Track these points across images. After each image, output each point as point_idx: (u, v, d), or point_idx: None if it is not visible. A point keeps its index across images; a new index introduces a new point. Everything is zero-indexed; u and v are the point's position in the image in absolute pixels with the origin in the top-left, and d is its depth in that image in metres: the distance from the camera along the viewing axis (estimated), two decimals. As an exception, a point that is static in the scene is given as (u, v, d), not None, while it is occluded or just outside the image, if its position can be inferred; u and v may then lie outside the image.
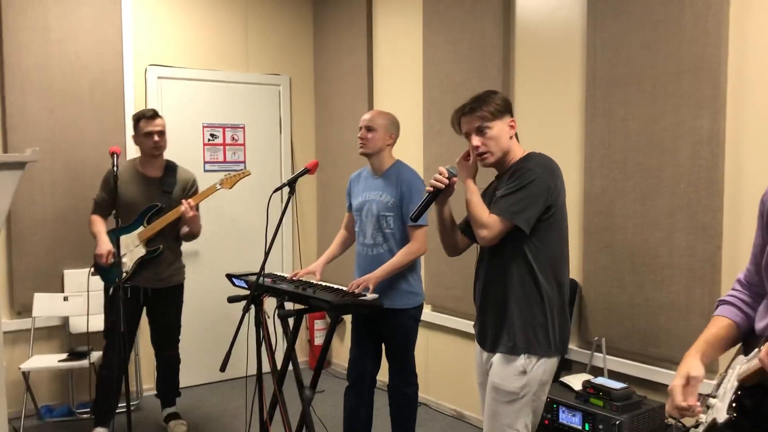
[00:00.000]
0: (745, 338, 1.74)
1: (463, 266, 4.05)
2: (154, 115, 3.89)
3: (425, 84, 4.41)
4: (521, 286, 2.40)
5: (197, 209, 3.87)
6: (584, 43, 3.42)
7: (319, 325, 5.47)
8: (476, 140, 2.45)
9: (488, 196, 2.55)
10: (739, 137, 2.81)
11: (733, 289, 1.83)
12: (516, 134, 2.53)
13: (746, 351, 1.67)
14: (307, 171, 3.15)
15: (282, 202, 5.12)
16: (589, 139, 3.40)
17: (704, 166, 2.92)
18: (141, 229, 3.88)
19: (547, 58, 3.66)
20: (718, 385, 1.73)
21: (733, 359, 1.77)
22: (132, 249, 3.85)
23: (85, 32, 4.52)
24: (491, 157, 2.47)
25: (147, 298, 3.94)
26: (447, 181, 2.44)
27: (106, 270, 3.81)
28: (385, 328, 3.36)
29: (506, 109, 2.48)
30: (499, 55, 3.86)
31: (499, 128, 2.44)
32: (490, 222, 2.36)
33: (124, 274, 3.81)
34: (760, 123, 2.75)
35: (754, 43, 2.77)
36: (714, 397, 1.70)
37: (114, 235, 3.68)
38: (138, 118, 3.90)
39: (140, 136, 3.89)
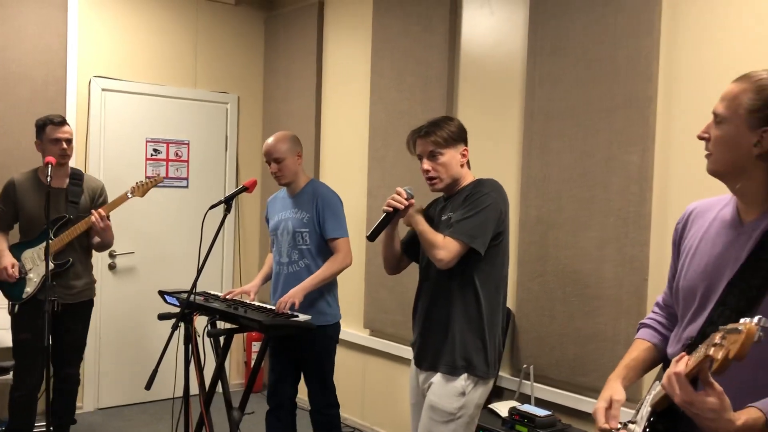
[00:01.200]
0: (663, 361, 1.80)
1: (402, 291, 4.07)
2: (62, 121, 3.67)
3: (372, 109, 4.46)
4: (465, 308, 2.44)
5: (108, 219, 3.66)
6: (524, 78, 3.51)
7: (257, 347, 5.41)
8: (427, 164, 2.51)
9: (434, 217, 2.61)
10: (666, 173, 2.92)
11: (653, 312, 1.91)
12: (468, 162, 2.61)
13: (662, 376, 1.72)
14: (245, 189, 3.14)
15: (227, 216, 5.06)
16: (526, 171, 3.47)
17: (633, 200, 3.01)
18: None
19: (489, 90, 3.74)
20: (637, 411, 1.78)
21: (653, 384, 1.82)
22: (38, 263, 3.63)
23: (27, 40, 4.44)
24: (440, 183, 2.54)
25: (56, 312, 3.62)
26: (405, 203, 2.49)
27: (10, 286, 3.61)
28: (303, 349, 3.31)
29: (460, 137, 2.57)
30: (443, 85, 3.93)
31: (450, 155, 2.51)
32: (446, 244, 2.40)
33: (28, 291, 3.61)
34: (685, 160, 2.86)
35: (681, 84, 2.89)
36: (633, 422, 1.75)
37: (18, 250, 3.57)
38: (44, 124, 3.64)
39: (46, 143, 3.63)
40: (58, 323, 3.72)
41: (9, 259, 3.58)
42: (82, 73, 4.68)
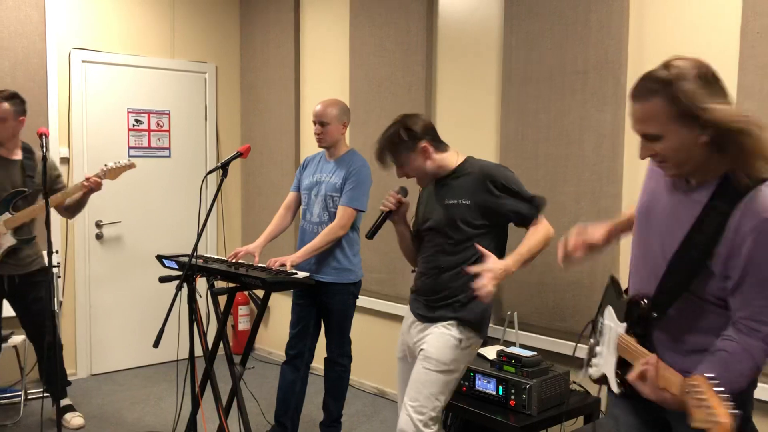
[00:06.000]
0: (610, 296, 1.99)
1: (386, 251, 4.27)
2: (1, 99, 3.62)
3: (351, 76, 4.59)
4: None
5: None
6: (501, 43, 3.69)
7: (243, 311, 5.57)
8: (400, 174, 2.70)
9: (431, 202, 2.70)
10: (636, 131, 3.14)
11: None
12: (439, 145, 2.66)
13: (617, 312, 1.89)
14: (240, 155, 3.26)
15: (206, 188, 5.18)
16: (504, 131, 3.67)
17: (606, 156, 3.23)
18: (6, 216, 3.62)
19: (467, 54, 3.91)
20: (598, 331, 2.00)
21: (603, 302, 2.02)
22: None
23: (6, 12, 4.44)
24: (423, 182, 2.72)
25: (13, 286, 3.70)
26: (391, 206, 2.66)
27: None
28: (325, 302, 3.55)
29: (411, 141, 2.60)
30: (422, 51, 4.09)
31: (413, 161, 2.64)
32: (542, 226, 2.60)
33: None
34: (654, 118, 3.07)
35: (650, 46, 3.10)
36: (597, 344, 1.98)
37: None
38: None
39: None
40: (20, 297, 3.76)
41: None
42: (62, 45, 4.70)
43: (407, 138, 2.60)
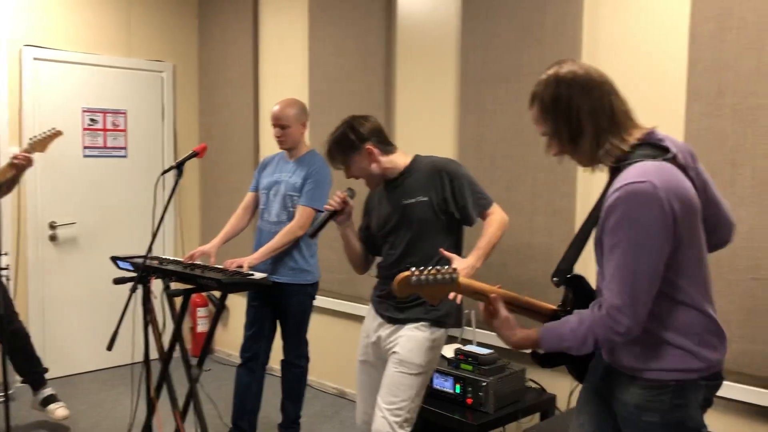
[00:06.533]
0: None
1: (346, 250, 4.26)
2: None
3: (311, 75, 4.57)
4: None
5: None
6: (459, 43, 3.72)
7: (202, 312, 5.50)
8: (348, 175, 2.69)
9: (384, 207, 2.69)
10: (590, 131, 3.19)
11: None
12: (386, 147, 2.66)
13: None
14: (195, 154, 3.22)
15: (163, 188, 5.11)
16: (462, 132, 3.69)
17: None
18: None
19: (426, 55, 3.93)
20: None
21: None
22: None
23: (-46, 8, 4.33)
24: (372, 183, 2.72)
25: None
26: (336, 205, 2.61)
27: None
28: (282, 304, 3.53)
29: (357, 142, 2.61)
30: (381, 51, 4.09)
31: (358, 162, 2.64)
32: (497, 215, 2.65)
33: None
34: (607, 119, 3.13)
35: (603, 47, 3.15)
36: None
37: None
38: None
39: None
40: None
41: None
42: (12, 42, 4.60)
43: (353, 139, 2.61)
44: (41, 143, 3.67)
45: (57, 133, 3.70)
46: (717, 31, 2.75)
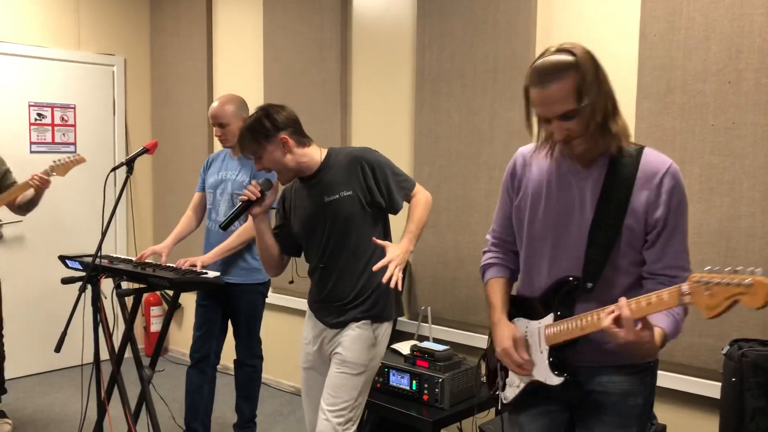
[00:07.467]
0: (513, 301, 2.01)
1: (302, 248, 4.23)
2: None
3: (266, 71, 4.52)
4: (374, 260, 2.45)
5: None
6: (414, 40, 3.71)
7: (156, 311, 5.41)
8: (259, 167, 2.54)
9: (304, 208, 2.58)
10: (544, 129, 3.22)
11: (492, 251, 2.08)
12: (301, 139, 2.52)
13: (524, 313, 1.94)
14: (146, 150, 3.14)
15: (114, 185, 4.99)
16: (418, 129, 3.69)
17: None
18: None
19: (381, 52, 3.92)
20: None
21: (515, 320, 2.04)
22: None
23: None
24: (284, 177, 2.55)
25: None
26: (251, 195, 2.47)
27: None
28: (233, 304, 3.47)
29: (271, 130, 2.46)
30: (336, 47, 4.06)
31: (271, 152, 2.48)
32: (421, 194, 2.56)
33: None
34: (560, 117, 3.17)
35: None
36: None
37: None
38: None
39: None
40: None
41: None
42: (-47, 33, 4.44)
43: (268, 127, 2.46)
44: (62, 167, 3.66)
45: (80, 160, 3.71)
46: (666, 30, 2.80)
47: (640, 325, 1.60)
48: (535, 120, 1.80)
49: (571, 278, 1.82)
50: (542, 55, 1.75)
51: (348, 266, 2.54)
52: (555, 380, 1.83)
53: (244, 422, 3.63)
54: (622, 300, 1.63)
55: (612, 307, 1.65)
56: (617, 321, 1.62)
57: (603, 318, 1.65)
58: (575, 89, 1.67)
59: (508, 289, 2.04)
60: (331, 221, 2.51)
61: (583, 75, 1.67)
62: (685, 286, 1.52)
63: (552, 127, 1.74)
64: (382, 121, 3.93)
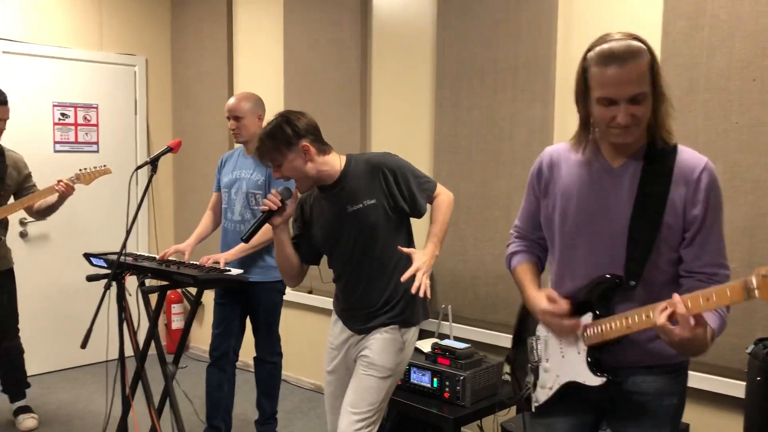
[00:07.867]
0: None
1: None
2: (4, 101, 3.60)
3: (286, 70, 4.55)
4: (400, 266, 2.44)
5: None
6: (434, 39, 3.72)
7: (177, 309, 5.46)
8: (277, 175, 2.46)
9: (326, 219, 2.53)
10: (565, 125, 3.22)
11: (517, 241, 2.10)
12: (322, 147, 2.47)
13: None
14: (170, 149, 3.18)
15: (137, 184, 5.04)
16: (438, 128, 3.70)
17: (536, 151, 3.26)
18: None
19: (401, 51, 3.93)
20: (533, 350, 1.98)
21: (524, 328, 2.05)
22: None
23: None
24: (303, 186, 2.49)
25: None
26: (272, 205, 2.41)
27: None
28: (252, 302, 3.51)
29: (293, 137, 2.40)
30: (356, 47, 4.08)
31: (292, 160, 2.41)
32: (443, 195, 2.54)
33: None
34: (581, 115, 3.16)
35: (577, 44, 3.18)
36: (537, 362, 1.96)
37: None
38: None
39: None
40: None
41: None
42: (-20, 35, 4.51)
43: (289, 134, 2.40)
44: (88, 176, 3.71)
45: (106, 171, 3.76)
46: (689, 28, 2.79)
47: (694, 322, 1.56)
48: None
49: (609, 276, 1.79)
50: (603, 40, 1.72)
51: (375, 274, 2.52)
52: (596, 381, 1.80)
53: (265, 419, 3.66)
54: (676, 296, 1.60)
55: (664, 303, 1.61)
56: (671, 318, 1.60)
57: (657, 315, 1.62)
58: (650, 72, 1.69)
59: (537, 272, 2.04)
60: (356, 231, 2.47)
61: (654, 60, 1.70)
62: (752, 281, 1.46)
63: (616, 111, 1.70)
64: (401, 119, 3.94)
